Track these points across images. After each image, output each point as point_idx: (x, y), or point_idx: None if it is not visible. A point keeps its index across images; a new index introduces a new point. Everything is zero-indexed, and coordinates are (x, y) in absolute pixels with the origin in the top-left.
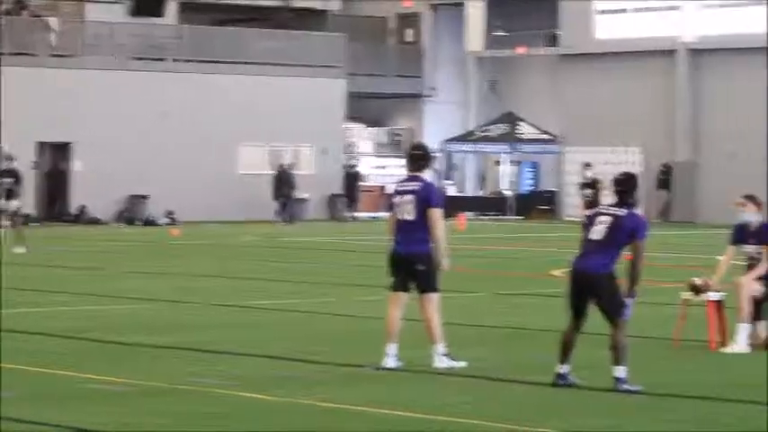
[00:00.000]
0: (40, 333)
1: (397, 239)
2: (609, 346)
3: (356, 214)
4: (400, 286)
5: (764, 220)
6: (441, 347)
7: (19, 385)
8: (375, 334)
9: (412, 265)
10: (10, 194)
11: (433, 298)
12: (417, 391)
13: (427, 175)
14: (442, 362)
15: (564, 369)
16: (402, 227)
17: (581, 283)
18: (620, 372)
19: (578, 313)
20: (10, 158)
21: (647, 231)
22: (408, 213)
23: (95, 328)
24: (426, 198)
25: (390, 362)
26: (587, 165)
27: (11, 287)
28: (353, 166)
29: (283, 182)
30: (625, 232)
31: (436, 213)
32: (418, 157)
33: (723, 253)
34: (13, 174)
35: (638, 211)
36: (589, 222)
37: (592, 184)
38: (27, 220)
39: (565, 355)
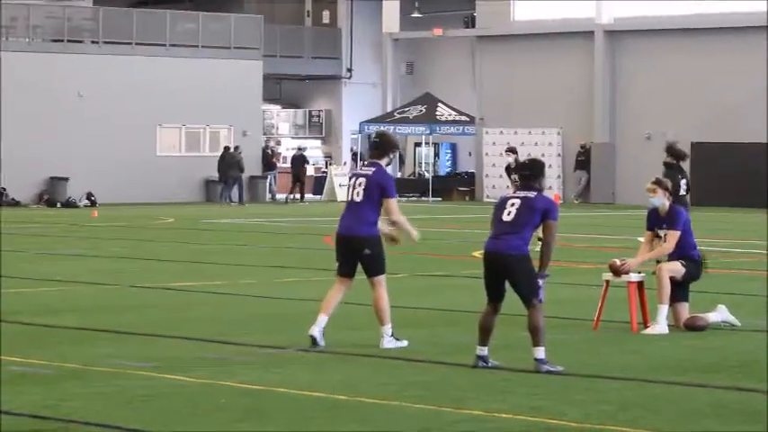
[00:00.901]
0: None
1: (342, 221)
2: (527, 327)
3: (278, 196)
4: (345, 271)
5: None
6: (388, 328)
7: None
8: (296, 317)
9: (358, 250)
10: None
11: (382, 280)
12: (339, 372)
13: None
14: (390, 342)
15: (483, 351)
16: (349, 207)
17: (495, 265)
18: (540, 353)
19: (495, 295)
20: None
21: (558, 213)
22: (357, 195)
23: (17, 311)
24: (378, 183)
25: (315, 331)
26: (511, 151)
27: None
28: (301, 149)
29: (228, 164)
30: (537, 213)
31: (392, 204)
32: (376, 145)
33: (643, 235)
34: None
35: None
36: (501, 205)
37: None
38: None
39: (484, 338)
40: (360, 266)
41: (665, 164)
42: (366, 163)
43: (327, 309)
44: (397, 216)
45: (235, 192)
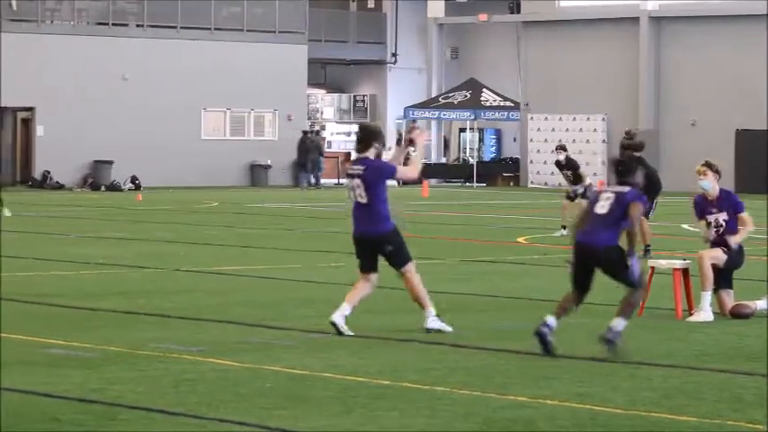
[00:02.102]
0: (4, 298)
1: (356, 222)
2: (622, 299)
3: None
4: (367, 267)
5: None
6: (431, 311)
7: None
8: (340, 301)
9: (379, 248)
10: None
11: (411, 268)
12: (383, 357)
13: (371, 153)
14: (434, 322)
15: (551, 321)
16: (358, 207)
17: (587, 257)
18: (618, 324)
19: (581, 286)
20: None
21: (642, 201)
22: (361, 197)
23: (61, 294)
24: (374, 180)
25: (337, 316)
26: (561, 148)
27: None
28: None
29: (308, 147)
30: (625, 206)
31: (400, 172)
32: (360, 139)
33: (690, 223)
34: None
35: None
36: (594, 199)
37: (567, 165)
38: None
39: (559, 312)
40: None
41: (629, 159)
42: (355, 159)
43: (352, 300)
44: (412, 172)
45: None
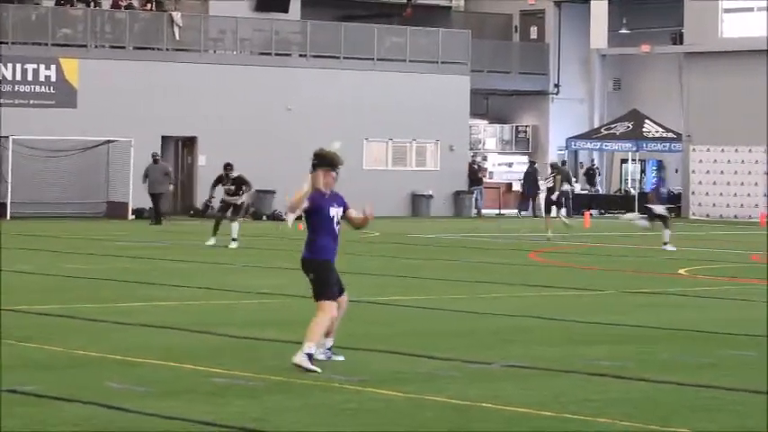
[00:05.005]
0: (168, 327)
1: (330, 247)
2: None
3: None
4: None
5: None
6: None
7: (149, 380)
8: (502, 331)
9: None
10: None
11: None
12: (545, 388)
13: None
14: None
15: None
16: (331, 233)
17: None
18: None
19: None
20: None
21: None
22: (337, 225)
23: (223, 323)
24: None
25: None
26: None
27: (139, 281)
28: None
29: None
30: None
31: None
32: (315, 167)
33: None
34: None
35: None
36: None
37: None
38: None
39: None
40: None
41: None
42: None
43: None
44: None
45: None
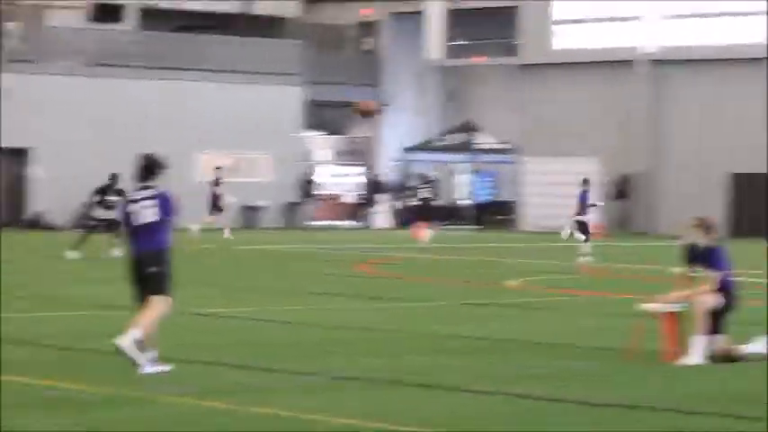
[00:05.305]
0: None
1: (133, 244)
2: None
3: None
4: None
5: (712, 243)
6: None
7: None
8: (329, 342)
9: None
10: None
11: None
12: (372, 399)
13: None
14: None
15: None
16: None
17: None
18: None
19: None
20: None
21: None
22: (145, 217)
23: (53, 335)
24: (162, 204)
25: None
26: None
27: None
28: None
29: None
30: None
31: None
32: (145, 168)
33: (678, 266)
34: None
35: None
36: None
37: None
38: None
39: None
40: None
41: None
42: (139, 187)
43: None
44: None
45: None
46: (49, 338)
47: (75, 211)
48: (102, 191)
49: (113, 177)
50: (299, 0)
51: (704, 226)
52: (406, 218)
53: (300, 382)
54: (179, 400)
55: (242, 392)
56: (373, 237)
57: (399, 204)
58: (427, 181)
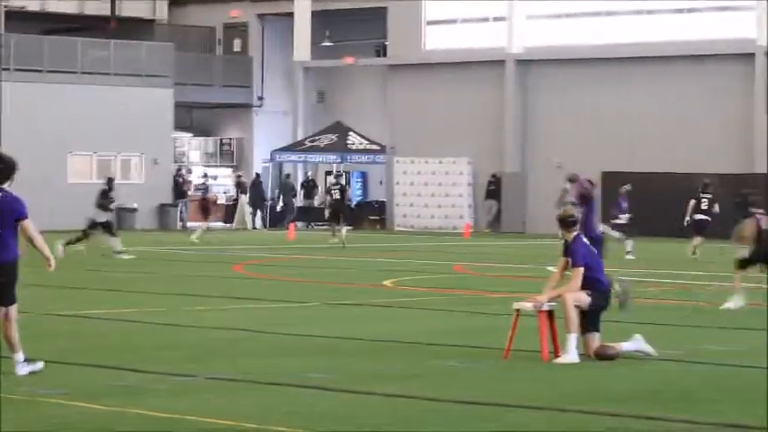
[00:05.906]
0: None
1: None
2: None
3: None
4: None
5: (570, 238)
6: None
7: None
8: (206, 343)
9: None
10: None
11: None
12: (249, 400)
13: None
14: (24, 368)
15: None
16: None
17: None
18: None
19: None
20: None
21: None
22: None
23: None
24: (11, 209)
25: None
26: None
27: None
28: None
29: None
30: None
31: (28, 225)
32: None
33: (555, 264)
34: None
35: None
36: None
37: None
38: None
39: None
40: None
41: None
42: None
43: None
44: (39, 240)
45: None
46: None
47: None
48: (105, 193)
49: (110, 181)
50: (165, 2)
51: (563, 221)
52: (280, 218)
53: (172, 383)
54: (47, 400)
55: (111, 394)
56: (246, 238)
57: (272, 205)
58: (308, 180)
